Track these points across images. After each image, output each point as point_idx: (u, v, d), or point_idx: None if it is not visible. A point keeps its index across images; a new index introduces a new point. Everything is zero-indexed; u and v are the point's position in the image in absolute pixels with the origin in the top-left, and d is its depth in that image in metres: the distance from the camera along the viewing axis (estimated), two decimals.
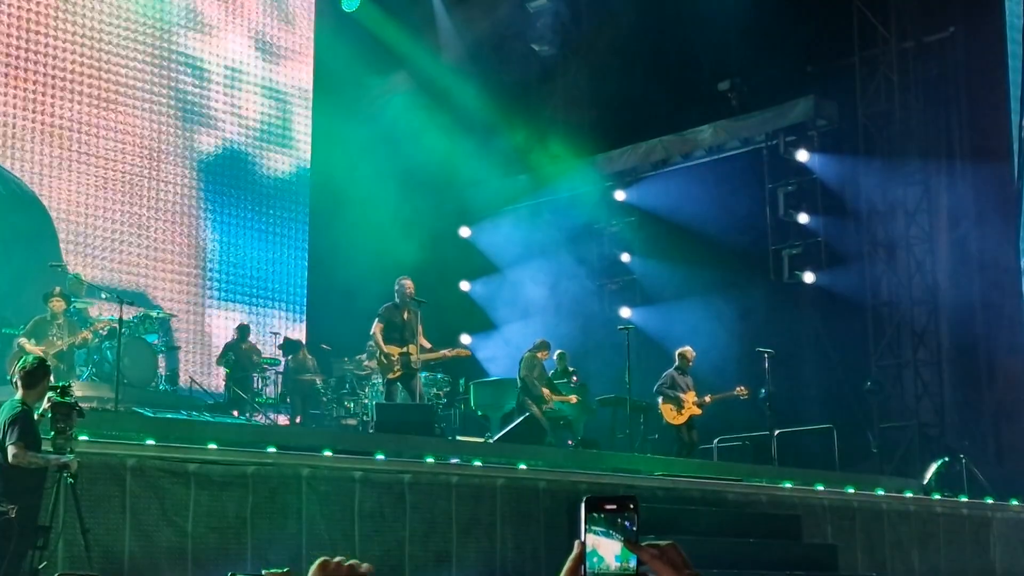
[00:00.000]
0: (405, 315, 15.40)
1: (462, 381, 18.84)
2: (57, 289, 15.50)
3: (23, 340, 14.82)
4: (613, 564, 2.21)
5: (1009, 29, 19.61)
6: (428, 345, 15.67)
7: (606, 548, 2.21)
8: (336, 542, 11.27)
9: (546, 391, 16.88)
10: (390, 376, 15.44)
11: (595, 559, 2.21)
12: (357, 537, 11.47)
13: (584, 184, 22.92)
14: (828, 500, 15.33)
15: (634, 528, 2.21)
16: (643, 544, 2.22)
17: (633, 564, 2.20)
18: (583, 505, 2.23)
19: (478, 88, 21.56)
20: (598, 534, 2.22)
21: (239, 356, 18.29)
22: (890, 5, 20.27)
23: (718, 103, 21.66)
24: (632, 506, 2.22)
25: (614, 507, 2.23)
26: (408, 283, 15.52)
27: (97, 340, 15.67)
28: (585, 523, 2.23)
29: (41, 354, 14.48)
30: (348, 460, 11.95)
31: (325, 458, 11.78)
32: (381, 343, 15.34)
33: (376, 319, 15.50)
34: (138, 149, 20.27)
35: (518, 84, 22.00)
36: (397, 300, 15.50)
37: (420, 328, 15.49)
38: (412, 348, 15.31)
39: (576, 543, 2.23)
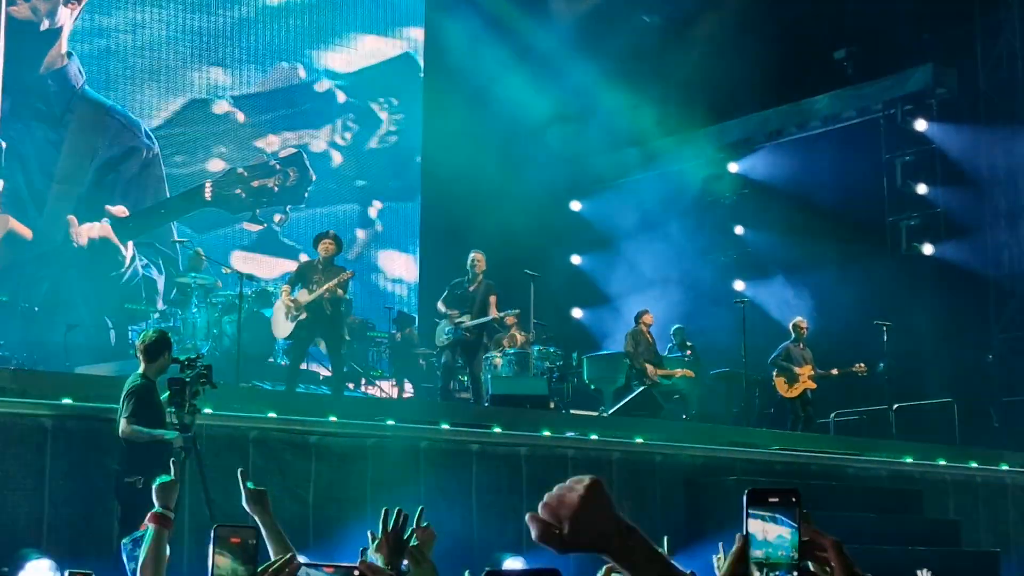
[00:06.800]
0: (471, 288, 15.12)
1: (575, 355, 18.79)
2: (331, 232, 14.47)
3: (285, 287, 14.20)
4: (777, 554, 2.18)
5: None
6: (497, 315, 15.14)
7: (769, 539, 2.19)
8: (454, 513, 11.35)
9: (649, 367, 16.79)
10: (440, 344, 15.42)
11: (758, 550, 2.19)
12: (475, 509, 11.54)
13: (697, 156, 22.68)
14: (950, 475, 15.08)
15: (796, 520, 2.19)
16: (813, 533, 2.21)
17: (796, 555, 2.18)
18: (745, 497, 2.21)
19: (588, 60, 21.41)
20: (765, 521, 2.20)
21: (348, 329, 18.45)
22: None
23: (834, 72, 21.27)
24: (794, 499, 2.20)
25: (776, 500, 2.20)
26: (475, 256, 15.20)
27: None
28: (747, 515, 2.21)
29: (290, 303, 13.88)
30: (465, 433, 12.02)
31: (442, 431, 11.86)
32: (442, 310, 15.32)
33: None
34: None
35: (629, 55, 21.78)
36: (469, 274, 15.26)
37: (494, 299, 15.00)
38: (464, 317, 14.96)
39: (738, 536, 2.22)
